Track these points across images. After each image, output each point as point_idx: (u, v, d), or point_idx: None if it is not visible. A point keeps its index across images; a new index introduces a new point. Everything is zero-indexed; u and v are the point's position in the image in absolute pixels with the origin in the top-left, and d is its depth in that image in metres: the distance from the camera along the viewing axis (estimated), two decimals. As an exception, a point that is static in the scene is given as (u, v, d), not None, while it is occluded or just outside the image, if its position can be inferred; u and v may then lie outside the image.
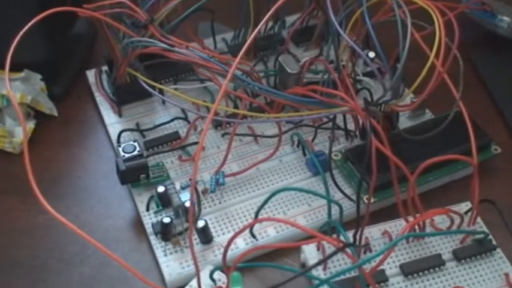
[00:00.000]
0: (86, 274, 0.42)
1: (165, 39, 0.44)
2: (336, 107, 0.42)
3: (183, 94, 0.46)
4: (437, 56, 0.39)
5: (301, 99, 0.43)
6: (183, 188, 0.44)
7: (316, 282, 0.38)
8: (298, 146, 0.47)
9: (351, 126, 0.47)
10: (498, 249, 0.41)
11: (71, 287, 0.42)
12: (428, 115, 0.49)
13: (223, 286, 0.37)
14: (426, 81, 0.40)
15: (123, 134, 0.48)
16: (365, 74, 0.50)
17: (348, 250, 0.36)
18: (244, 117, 0.46)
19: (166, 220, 0.40)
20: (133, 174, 0.43)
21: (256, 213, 0.40)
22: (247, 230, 0.41)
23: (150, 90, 0.46)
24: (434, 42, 0.39)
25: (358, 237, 0.40)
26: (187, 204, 0.41)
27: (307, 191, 0.42)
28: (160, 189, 0.42)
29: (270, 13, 0.40)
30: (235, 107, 0.49)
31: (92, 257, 0.43)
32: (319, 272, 0.40)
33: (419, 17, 0.41)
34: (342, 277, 0.39)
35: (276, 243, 0.41)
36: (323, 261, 0.35)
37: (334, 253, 0.35)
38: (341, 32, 0.40)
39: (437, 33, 0.39)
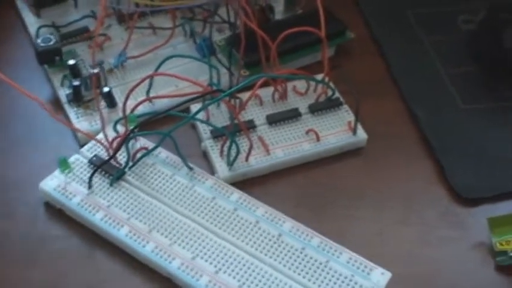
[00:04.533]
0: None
1: None
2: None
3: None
4: None
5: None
6: (91, 67, 0.53)
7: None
8: (190, 37, 0.56)
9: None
10: (345, 105, 0.51)
11: None
12: (299, 12, 0.59)
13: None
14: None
15: (41, 31, 0.56)
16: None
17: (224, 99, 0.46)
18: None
19: (76, 82, 0.49)
20: (48, 56, 0.52)
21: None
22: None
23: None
24: None
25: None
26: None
27: (191, 57, 0.51)
28: (71, 62, 0.51)
29: None
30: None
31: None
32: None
33: None
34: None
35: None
36: (203, 109, 0.45)
37: (206, 94, 0.45)
38: None
39: None
